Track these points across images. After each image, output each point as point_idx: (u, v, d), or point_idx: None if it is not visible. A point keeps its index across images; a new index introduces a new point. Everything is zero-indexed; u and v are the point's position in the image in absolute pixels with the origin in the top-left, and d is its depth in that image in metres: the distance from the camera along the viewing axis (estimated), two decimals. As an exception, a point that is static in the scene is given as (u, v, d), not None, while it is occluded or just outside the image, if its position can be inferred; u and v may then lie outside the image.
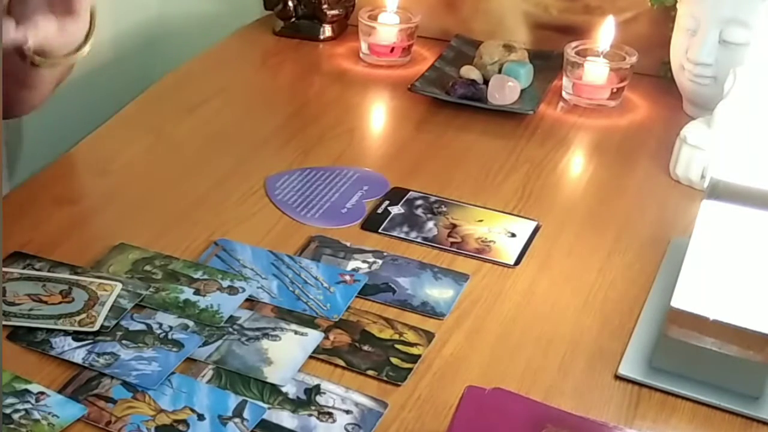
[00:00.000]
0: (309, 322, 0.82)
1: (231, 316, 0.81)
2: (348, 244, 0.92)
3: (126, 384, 0.74)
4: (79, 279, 0.84)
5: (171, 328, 0.80)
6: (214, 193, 1.00)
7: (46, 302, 0.81)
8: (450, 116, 1.18)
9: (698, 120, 1.07)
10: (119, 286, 0.83)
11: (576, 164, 1.12)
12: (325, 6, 1.37)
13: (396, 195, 1.01)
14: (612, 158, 1.11)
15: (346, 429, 0.71)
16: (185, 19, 1.57)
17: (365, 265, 0.89)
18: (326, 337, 0.80)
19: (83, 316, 0.80)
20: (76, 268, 0.86)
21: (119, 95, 1.23)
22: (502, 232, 0.95)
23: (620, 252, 0.94)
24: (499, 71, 1.23)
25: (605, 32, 1.22)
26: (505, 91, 1.19)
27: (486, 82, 1.22)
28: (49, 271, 0.85)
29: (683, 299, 0.76)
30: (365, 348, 0.79)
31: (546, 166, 1.09)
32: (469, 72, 1.23)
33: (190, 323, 0.80)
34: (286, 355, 0.78)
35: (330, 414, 0.72)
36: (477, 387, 0.69)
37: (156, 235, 0.92)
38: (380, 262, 0.90)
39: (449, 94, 1.20)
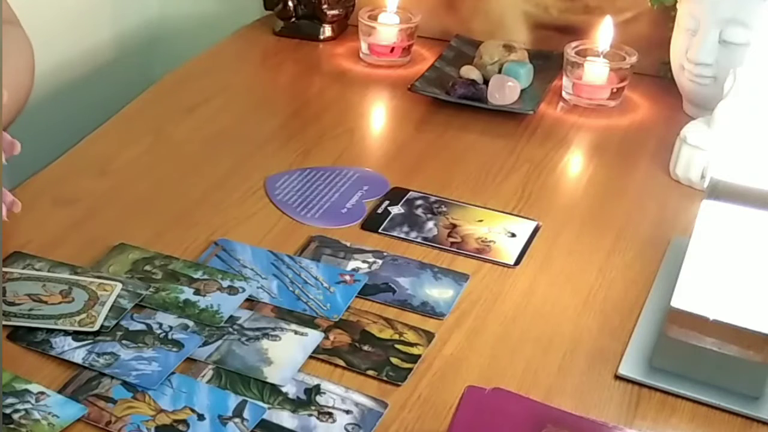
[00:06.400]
0: (309, 322, 0.82)
1: (231, 316, 0.81)
2: (348, 244, 0.92)
3: (126, 384, 0.74)
4: (79, 279, 0.84)
5: (171, 328, 0.80)
6: (214, 193, 1.00)
7: (46, 302, 0.81)
8: (450, 116, 1.18)
9: (698, 120, 1.07)
10: (119, 286, 0.83)
11: (576, 164, 1.12)
12: (325, 6, 1.37)
13: (396, 195, 1.01)
14: (612, 158, 1.11)
15: (346, 429, 0.71)
16: (185, 19, 1.58)
17: (365, 265, 0.89)
18: (326, 337, 0.80)
19: (83, 316, 0.80)
20: (76, 268, 0.86)
21: (119, 95, 1.23)
22: (502, 232, 0.95)
23: (620, 252, 0.94)
24: (499, 71, 1.23)
25: (603, 33, 1.22)
26: (505, 91, 1.19)
27: (486, 82, 1.22)
28: (49, 271, 0.85)
29: (683, 299, 0.76)
30: (365, 348, 0.79)
31: (546, 166, 1.09)
32: (469, 72, 1.23)
33: (190, 323, 0.80)
34: (286, 355, 0.78)
35: (330, 414, 0.72)
36: (477, 387, 0.69)
37: (156, 235, 0.92)
38: (380, 262, 0.90)
39: (449, 94, 1.20)
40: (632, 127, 1.19)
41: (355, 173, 1.05)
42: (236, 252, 0.90)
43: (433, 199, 1.00)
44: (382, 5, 1.33)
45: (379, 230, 0.95)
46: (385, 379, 0.76)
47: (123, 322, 0.80)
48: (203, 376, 0.75)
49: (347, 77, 1.29)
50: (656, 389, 0.77)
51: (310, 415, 0.72)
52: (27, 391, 0.73)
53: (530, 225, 0.97)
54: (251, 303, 0.84)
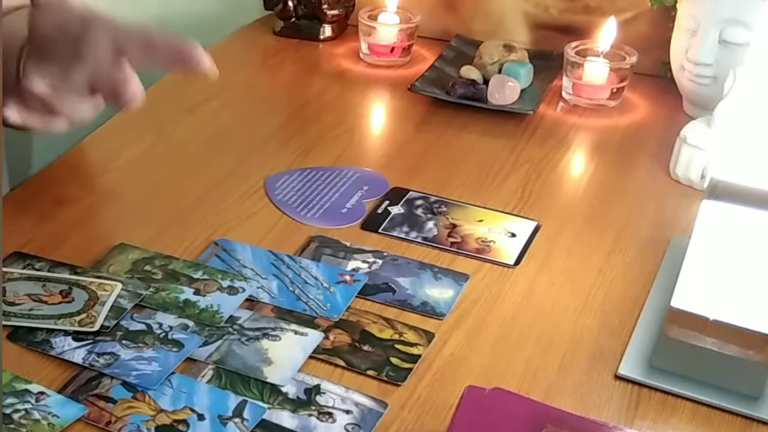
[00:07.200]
0: (309, 322, 0.82)
1: (231, 316, 0.81)
2: (348, 244, 0.92)
3: (126, 384, 0.74)
4: (79, 279, 0.84)
5: (171, 328, 0.80)
6: (214, 193, 1.00)
7: (46, 302, 0.81)
8: (450, 116, 1.18)
9: (698, 120, 1.07)
10: (119, 286, 0.83)
11: (576, 164, 1.12)
12: (325, 6, 1.37)
13: (396, 195, 1.01)
14: (612, 158, 1.11)
15: (346, 429, 0.71)
16: (185, 19, 1.57)
17: (365, 265, 0.89)
18: (326, 337, 0.80)
19: (83, 316, 0.80)
20: (76, 268, 0.86)
21: (119, 95, 1.22)
22: (502, 232, 0.95)
23: (620, 252, 0.94)
24: (499, 71, 1.23)
25: (606, 33, 1.22)
26: (505, 91, 1.19)
27: (486, 82, 1.22)
28: (49, 271, 0.85)
29: (683, 299, 0.76)
30: (365, 348, 0.79)
31: (546, 166, 1.09)
32: (469, 72, 1.23)
33: (190, 323, 0.80)
34: (286, 355, 0.78)
35: (330, 414, 0.72)
36: (477, 387, 0.69)
37: (156, 235, 0.92)
38: (380, 262, 0.90)
39: (449, 94, 1.20)
40: (632, 127, 1.19)
41: (355, 173, 1.05)
42: (236, 252, 0.90)
43: (433, 199, 1.00)
44: (382, 5, 1.33)
45: (379, 230, 0.95)
46: (385, 379, 0.76)
47: (123, 322, 0.80)
48: (203, 376, 0.75)
49: (347, 77, 1.29)
50: (656, 389, 0.77)
51: (310, 415, 0.72)
52: (27, 391, 0.73)
53: (530, 225, 0.97)
54: (251, 303, 0.84)
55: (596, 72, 1.21)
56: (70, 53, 0.80)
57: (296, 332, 0.80)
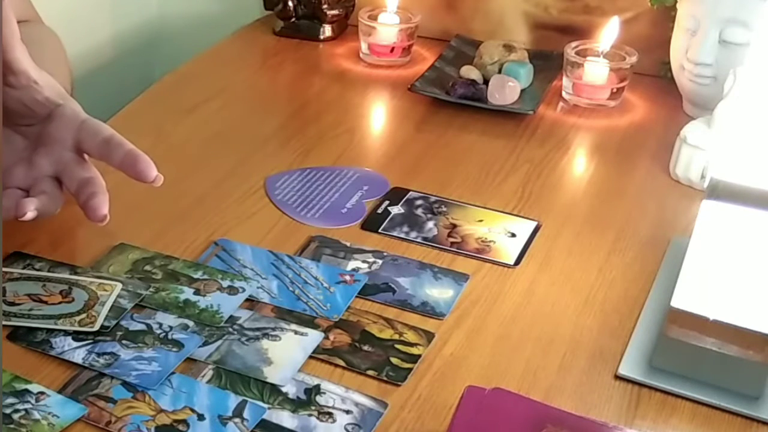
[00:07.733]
0: (309, 322, 0.82)
1: (231, 316, 0.81)
2: (348, 244, 0.92)
3: (126, 384, 0.74)
4: (79, 279, 0.84)
5: (171, 328, 0.80)
6: (214, 193, 1.00)
7: (46, 302, 0.81)
8: (450, 116, 1.18)
9: (698, 120, 1.07)
10: (119, 286, 0.83)
11: (576, 164, 1.12)
12: (325, 6, 1.37)
13: (396, 195, 1.01)
14: (612, 158, 1.11)
15: (346, 429, 0.71)
16: (185, 19, 1.58)
17: (365, 265, 0.89)
18: (326, 337, 0.80)
19: (83, 316, 0.80)
20: (76, 268, 0.86)
21: (119, 95, 1.23)
22: (502, 232, 0.95)
23: (620, 252, 0.94)
24: (499, 71, 1.23)
25: (609, 32, 1.22)
26: (505, 91, 1.19)
27: (486, 82, 1.22)
28: (49, 271, 0.85)
29: (683, 299, 0.76)
30: (365, 348, 0.79)
31: (546, 166, 1.09)
32: (469, 72, 1.24)
33: (190, 323, 0.80)
34: (286, 355, 0.78)
35: (330, 414, 0.72)
36: (477, 387, 0.69)
37: (156, 235, 0.92)
38: (380, 262, 0.90)
39: (449, 94, 1.20)
40: (632, 127, 1.19)
41: (355, 173, 1.05)
42: (236, 252, 0.90)
43: (433, 199, 1.00)
44: (382, 5, 1.33)
45: (379, 230, 0.95)
46: (385, 379, 0.76)
47: (123, 322, 0.80)
48: (203, 376, 0.75)
49: (347, 77, 1.29)
50: (656, 389, 0.77)
51: (310, 415, 0.72)
52: (27, 391, 0.73)
53: (530, 225, 0.97)
54: (251, 303, 0.84)
55: (596, 72, 1.21)
56: (37, 136, 0.85)
57: (296, 332, 0.80)
